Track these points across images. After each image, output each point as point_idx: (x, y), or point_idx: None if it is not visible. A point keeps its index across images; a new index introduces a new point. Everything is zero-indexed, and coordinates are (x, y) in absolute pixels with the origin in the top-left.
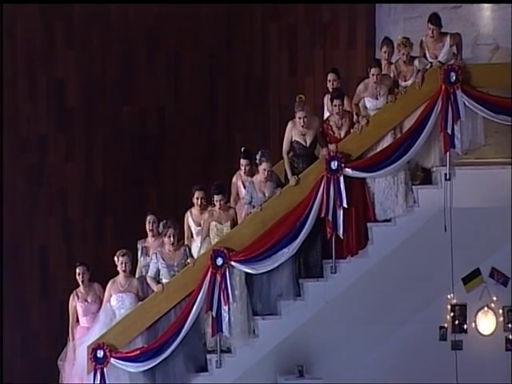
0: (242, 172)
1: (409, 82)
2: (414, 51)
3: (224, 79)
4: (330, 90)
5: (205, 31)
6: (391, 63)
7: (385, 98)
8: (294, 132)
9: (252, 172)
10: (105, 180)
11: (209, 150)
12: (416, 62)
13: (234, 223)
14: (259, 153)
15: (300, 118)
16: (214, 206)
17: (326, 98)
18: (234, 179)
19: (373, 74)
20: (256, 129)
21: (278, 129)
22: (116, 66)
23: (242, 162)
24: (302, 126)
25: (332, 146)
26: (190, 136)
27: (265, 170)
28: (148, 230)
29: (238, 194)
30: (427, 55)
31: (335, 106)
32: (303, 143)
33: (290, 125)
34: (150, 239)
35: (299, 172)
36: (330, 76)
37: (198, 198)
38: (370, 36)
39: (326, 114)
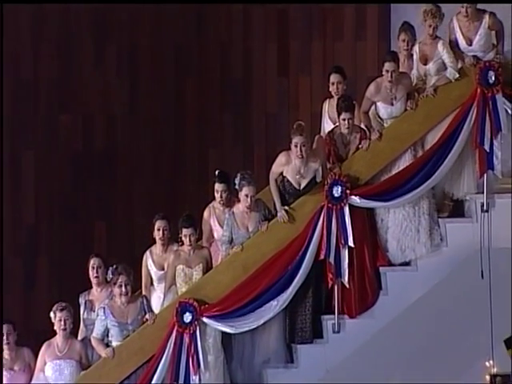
0: (216, 203)
1: (430, 66)
2: (441, 32)
3: (194, 79)
4: (334, 95)
5: (169, 17)
6: (412, 55)
7: (402, 103)
8: (287, 169)
9: (230, 202)
10: (38, 210)
11: (174, 172)
12: (440, 45)
13: (208, 267)
14: (238, 176)
15: (297, 146)
16: (182, 244)
17: (327, 104)
18: (205, 214)
19: (387, 71)
20: (235, 144)
21: (263, 143)
22: (52, 62)
23: (218, 187)
24: (299, 157)
25: (335, 167)
26: (150, 153)
27: (247, 196)
28: (92, 278)
29: (210, 233)
30: (459, 41)
31: (343, 120)
32: (296, 186)
33: (282, 158)
34: (94, 290)
35: (291, 203)
36: (334, 77)
37: (159, 230)
38: (384, 24)
39: (326, 124)
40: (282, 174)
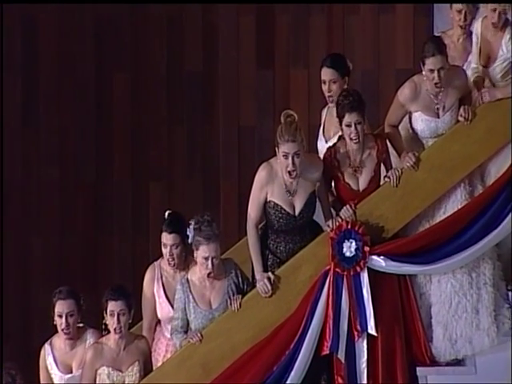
0: (163, 262)
1: (493, 69)
2: None
3: (125, 75)
4: (327, 99)
5: None
6: (470, 34)
7: (453, 113)
8: (272, 189)
9: (185, 263)
10: None
11: (93, 218)
12: (506, 40)
13: (148, 368)
14: (191, 225)
15: (287, 156)
16: (107, 331)
17: (325, 112)
18: (146, 279)
19: (431, 70)
20: (191, 173)
21: (234, 173)
22: None
23: (166, 239)
24: (290, 173)
25: (345, 211)
26: (55, 189)
27: (206, 258)
28: None
29: (154, 311)
30: None
31: (347, 126)
32: (289, 210)
33: (262, 174)
34: None
35: (280, 263)
36: (325, 73)
37: (61, 316)
38: None
39: (322, 142)
40: (266, 202)
